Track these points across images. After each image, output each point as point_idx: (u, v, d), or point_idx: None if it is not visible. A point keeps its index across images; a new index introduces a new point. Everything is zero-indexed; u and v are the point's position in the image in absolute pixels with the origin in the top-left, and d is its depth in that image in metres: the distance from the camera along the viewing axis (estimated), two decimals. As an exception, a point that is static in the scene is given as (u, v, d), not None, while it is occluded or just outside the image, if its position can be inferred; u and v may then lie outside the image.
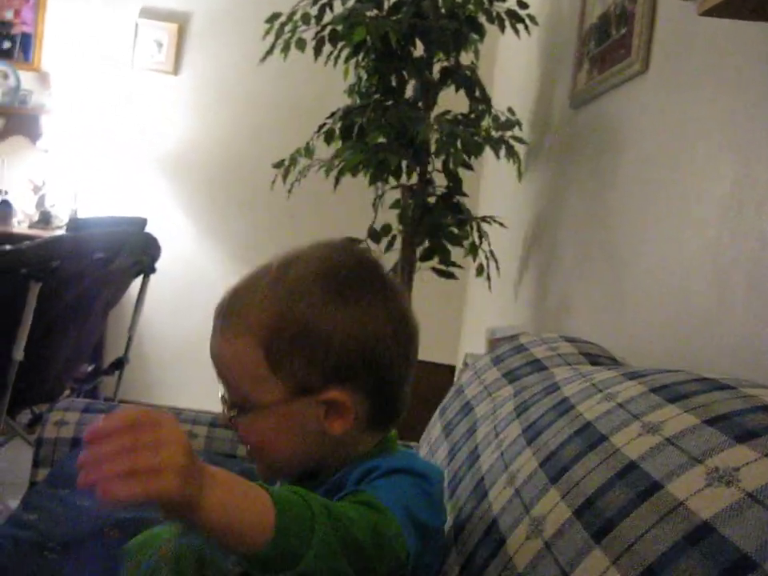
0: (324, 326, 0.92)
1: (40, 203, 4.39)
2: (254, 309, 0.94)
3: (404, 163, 2.93)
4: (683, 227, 1.56)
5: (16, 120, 4.55)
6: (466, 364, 2.51)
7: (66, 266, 2.57)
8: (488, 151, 2.88)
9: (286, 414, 0.93)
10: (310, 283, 0.94)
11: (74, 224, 2.80)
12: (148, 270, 3.07)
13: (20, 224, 4.35)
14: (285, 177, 2.97)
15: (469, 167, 2.90)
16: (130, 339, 3.18)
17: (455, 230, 2.95)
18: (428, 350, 3.19)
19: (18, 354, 2.56)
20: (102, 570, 1.24)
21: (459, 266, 2.99)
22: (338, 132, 2.94)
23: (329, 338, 0.91)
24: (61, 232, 3.70)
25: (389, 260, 3.09)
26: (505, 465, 0.99)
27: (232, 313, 0.97)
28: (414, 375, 0.99)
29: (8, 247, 2.53)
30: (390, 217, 3.06)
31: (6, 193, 4.48)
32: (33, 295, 2.52)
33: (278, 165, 2.98)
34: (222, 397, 0.98)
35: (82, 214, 4.24)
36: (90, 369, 3.90)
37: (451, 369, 2.65)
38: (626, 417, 0.83)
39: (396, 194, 3.04)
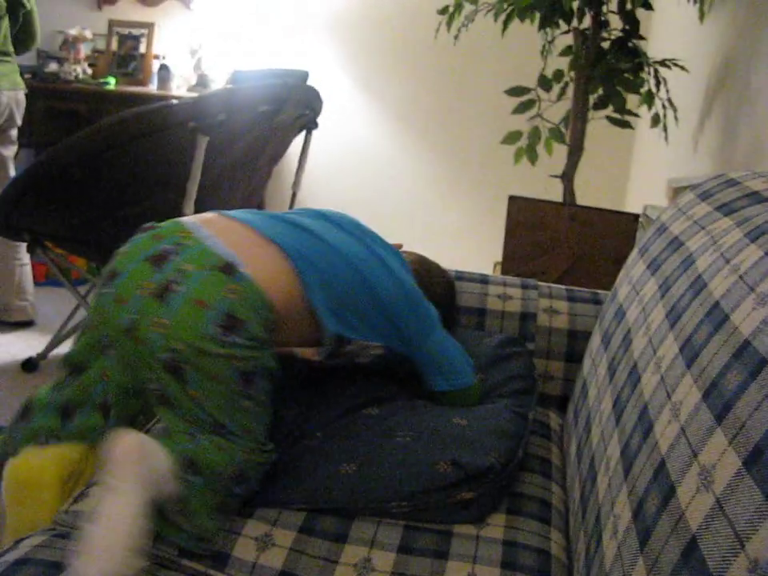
0: None
1: (197, 66, 4.39)
2: None
3: (575, 5, 2.75)
4: None
5: (169, -16, 4.53)
6: (646, 216, 2.38)
7: (232, 119, 2.55)
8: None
9: None
10: None
11: (237, 77, 2.75)
12: (311, 124, 3.01)
13: (179, 88, 4.37)
14: (449, 23, 2.83)
15: (649, 6, 2.69)
16: (293, 195, 3.16)
17: (630, 76, 2.76)
18: (594, 200, 3.08)
19: (189, 209, 2.58)
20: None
21: (635, 115, 2.81)
22: (504, -26, 2.77)
23: None
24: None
25: (560, 109, 2.94)
26: (749, 288, 0.89)
27: None
28: None
29: (175, 101, 2.52)
30: (560, 65, 2.90)
31: (164, 57, 4.50)
32: (200, 149, 2.51)
33: (442, 11, 2.84)
34: None
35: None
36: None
37: (635, 217, 2.51)
38: None
39: (566, 40, 2.87)
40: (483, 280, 1.79)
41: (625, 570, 0.84)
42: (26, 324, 3.43)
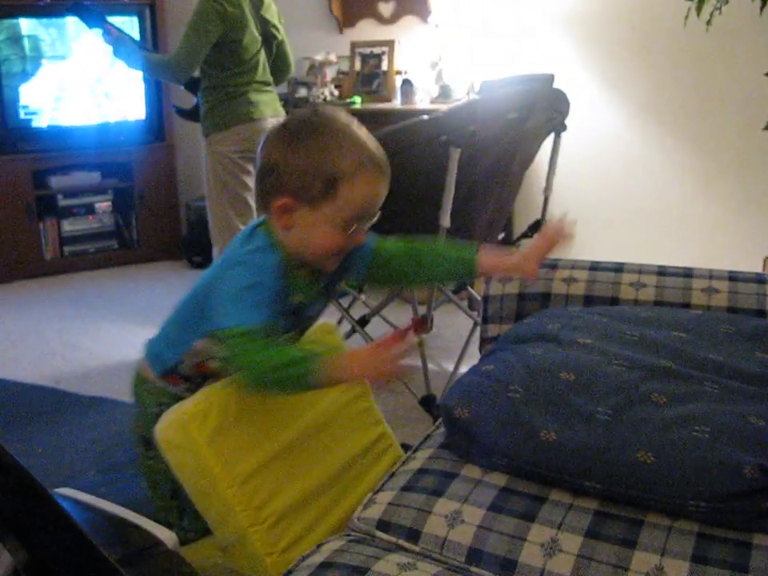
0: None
1: (438, 78, 4.48)
2: None
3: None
4: None
5: (405, 1, 4.65)
6: None
7: (482, 130, 2.57)
8: None
9: None
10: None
11: (485, 87, 2.78)
12: (560, 127, 2.99)
13: (422, 101, 4.47)
14: (699, 9, 2.72)
15: None
16: (546, 200, 3.14)
17: None
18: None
19: (445, 221, 2.62)
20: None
21: None
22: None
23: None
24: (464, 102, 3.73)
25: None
26: None
27: None
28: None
29: (426, 116, 2.59)
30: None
31: (406, 72, 4.63)
32: (453, 161, 2.56)
33: (691, -4, 2.74)
34: None
35: (477, 82, 4.25)
36: (500, 237, 3.97)
37: None
38: None
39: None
40: (761, 280, 1.71)
41: None
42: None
